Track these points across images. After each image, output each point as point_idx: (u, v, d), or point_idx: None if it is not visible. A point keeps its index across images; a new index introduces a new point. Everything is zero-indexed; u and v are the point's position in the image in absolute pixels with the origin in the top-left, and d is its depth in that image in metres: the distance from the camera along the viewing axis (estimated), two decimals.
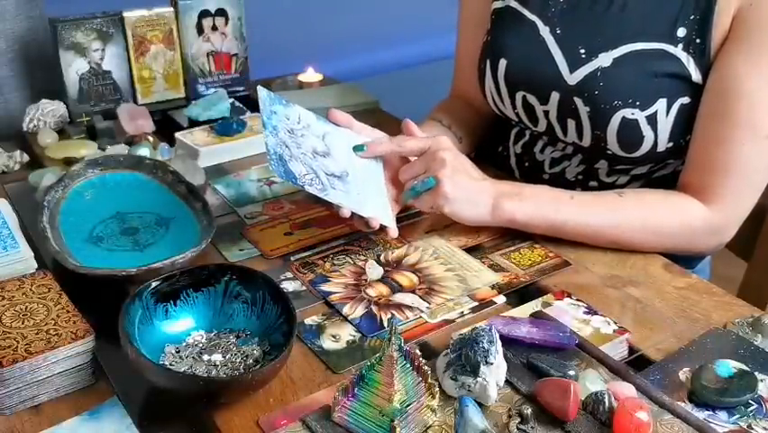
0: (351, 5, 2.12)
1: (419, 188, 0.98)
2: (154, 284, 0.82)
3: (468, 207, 0.98)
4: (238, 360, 0.80)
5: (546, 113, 1.09)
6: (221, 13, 1.44)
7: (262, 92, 0.97)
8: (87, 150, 1.27)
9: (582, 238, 1.01)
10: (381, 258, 1.00)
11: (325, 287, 0.94)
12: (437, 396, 0.73)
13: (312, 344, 0.85)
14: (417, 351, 0.73)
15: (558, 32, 1.06)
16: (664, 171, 1.10)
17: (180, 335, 0.83)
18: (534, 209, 1.00)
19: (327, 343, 0.85)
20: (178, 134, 1.29)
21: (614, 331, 0.86)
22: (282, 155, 0.93)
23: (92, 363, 0.79)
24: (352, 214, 0.97)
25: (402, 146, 1.00)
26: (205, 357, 0.80)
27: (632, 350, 0.84)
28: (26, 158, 1.27)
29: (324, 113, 1.03)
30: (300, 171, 0.94)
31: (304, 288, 0.94)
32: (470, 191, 0.98)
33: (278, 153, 0.92)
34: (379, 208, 0.99)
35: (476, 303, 0.92)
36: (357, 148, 1.01)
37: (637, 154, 1.05)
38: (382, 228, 1.00)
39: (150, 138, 1.28)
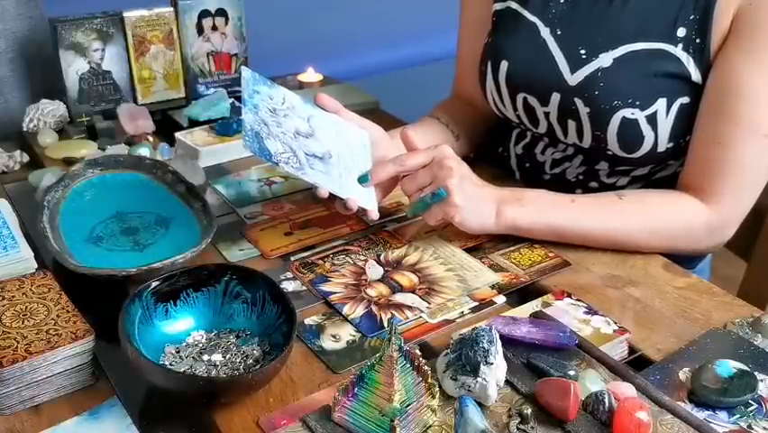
0: (351, 5, 2.12)
1: (430, 200, 0.96)
2: (154, 284, 0.82)
3: (475, 215, 0.97)
4: (238, 360, 0.80)
5: (547, 114, 1.09)
6: (221, 13, 1.44)
7: (246, 72, 0.97)
8: (87, 150, 1.28)
9: (583, 241, 1.01)
10: (381, 258, 1.00)
11: (325, 287, 0.94)
12: (437, 396, 0.73)
13: (312, 344, 0.85)
14: (417, 351, 0.73)
15: (558, 32, 1.06)
16: (665, 173, 1.10)
17: (180, 335, 0.83)
18: (536, 215, 0.99)
19: (327, 343, 0.85)
20: (178, 134, 1.29)
21: (614, 331, 0.86)
22: (259, 132, 0.92)
23: (92, 363, 0.79)
24: (332, 195, 0.95)
25: (405, 165, 0.98)
26: (205, 357, 0.80)
27: (632, 350, 0.84)
28: (26, 158, 1.27)
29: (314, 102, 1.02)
30: (277, 149, 0.93)
31: (304, 288, 0.94)
32: (476, 199, 0.97)
33: (254, 130, 0.92)
34: (361, 191, 0.98)
35: (476, 303, 0.92)
36: (361, 179, 0.98)
37: (638, 155, 1.05)
38: (382, 227, 1.00)
39: (150, 138, 1.28)
